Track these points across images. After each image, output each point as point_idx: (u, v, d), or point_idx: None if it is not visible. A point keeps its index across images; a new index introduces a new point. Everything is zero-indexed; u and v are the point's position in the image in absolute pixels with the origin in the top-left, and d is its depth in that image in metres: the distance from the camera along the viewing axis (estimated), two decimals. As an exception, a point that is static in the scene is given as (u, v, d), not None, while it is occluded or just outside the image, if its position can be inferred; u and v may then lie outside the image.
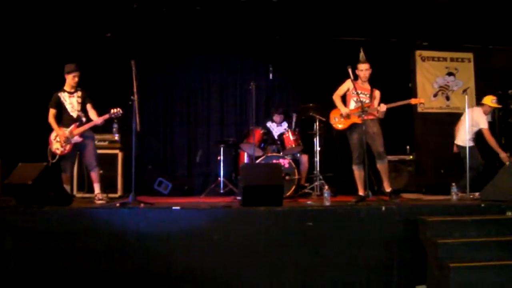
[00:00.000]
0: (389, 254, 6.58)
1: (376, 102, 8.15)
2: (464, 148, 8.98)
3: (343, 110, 8.15)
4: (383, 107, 7.91)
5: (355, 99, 8.15)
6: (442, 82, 11.80)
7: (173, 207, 6.71)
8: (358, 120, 7.99)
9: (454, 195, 7.94)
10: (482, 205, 7.10)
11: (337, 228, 6.59)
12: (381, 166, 8.07)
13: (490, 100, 9.33)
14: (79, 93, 8.25)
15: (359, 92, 8.02)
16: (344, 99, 8.30)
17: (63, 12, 10.06)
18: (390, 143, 10.17)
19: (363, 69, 8.16)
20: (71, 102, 8.18)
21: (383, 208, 6.74)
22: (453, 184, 8.06)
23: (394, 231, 6.63)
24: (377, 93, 8.24)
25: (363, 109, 7.83)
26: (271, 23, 10.89)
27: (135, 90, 7.37)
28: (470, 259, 6.15)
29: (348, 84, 8.25)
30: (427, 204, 7.57)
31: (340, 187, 9.52)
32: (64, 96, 8.19)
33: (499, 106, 9.61)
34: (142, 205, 6.96)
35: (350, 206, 7.17)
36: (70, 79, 8.17)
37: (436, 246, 6.22)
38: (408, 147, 10.50)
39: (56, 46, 10.32)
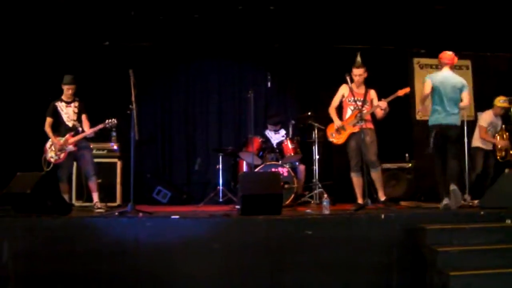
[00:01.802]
0: (389, 262, 6.57)
1: (375, 102, 8.21)
2: (471, 148, 9.38)
3: (337, 123, 8.23)
4: (384, 103, 7.95)
5: (352, 107, 8.19)
6: (440, 89, 11.78)
7: (172, 216, 6.72)
8: (354, 130, 8.02)
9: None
10: (482, 212, 7.10)
11: (336, 237, 6.57)
12: (375, 175, 8.12)
13: (498, 101, 9.53)
14: (76, 104, 8.39)
15: (356, 99, 8.06)
16: (341, 107, 8.33)
17: (61, 21, 10.07)
18: (389, 150, 10.20)
19: (357, 74, 8.23)
20: (67, 112, 8.31)
21: (383, 216, 6.73)
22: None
23: (393, 240, 6.62)
24: (372, 93, 8.35)
25: (361, 115, 7.86)
26: (269, 30, 10.90)
27: (133, 99, 7.37)
28: (470, 267, 6.14)
29: (342, 91, 8.33)
30: (426, 212, 7.56)
31: (339, 195, 9.49)
32: (61, 106, 8.32)
33: (508, 105, 9.58)
34: (141, 214, 6.95)
35: (349, 214, 7.17)
36: (65, 91, 8.33)
37: (436, 254, 6.22)
38: (407, 154, 10.49)
39: (53, 55, 10.31)
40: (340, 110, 8.42)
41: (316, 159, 9.96)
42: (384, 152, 10.07)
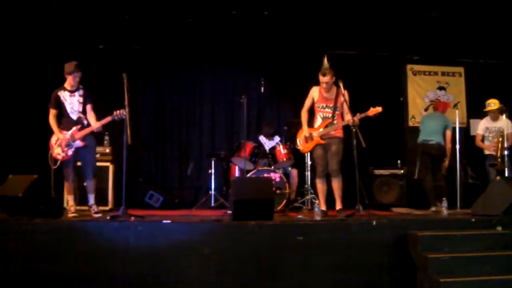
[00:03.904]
0: (380, 269, 6.57)
1: (345, 105, 7.94)
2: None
3: (305, 131, 8.18)
4: (357, 120, 7.72)
5: (321, 115, 8.11)
6: (433, 96, 11.84)
7: (164, 221, 6.69)
8: (321, 142, 7.98)
9: (445, 209, 7.95)
10: (473, 219, 7.11)
11: (328, 243, 6.56)
12: (336, 184, 8.03)
13: (487, 104, 9.60)
14: (81, 92, 7.83)
15: (324, 105, 8.05)
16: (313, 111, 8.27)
17: (56, 24, 10.07)
18: (381, 157, 10.24)
19: (324, 81, 7.95)
20: (71, 102, 7.75)
21: (374, 222, 6.73)
22: (444, 198, 8.07)
23: (384, 246, 6.62)
24: (344, 96, 7.97)
25: (331, 126, 7.88)
26: (263, 35, 10.94)
27: (126, 102, 7.29)
28: (460, 274, 6.15)
29: (312, 94, 8.17)
30: (418, 219, 7.58)
31: (332, 201, 9.50)
32: (64, 96, 7.76)
33: (494, 107, 9.56)
34: (132, 218, 6.92)
35: (340, 220, 7.17)
36: (71, 80, 7.76)
37: (427, 261, 6.22)
38: (399, 161, 10.50)
39: (47, 58, 10.28)
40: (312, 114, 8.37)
41: (309, 165, 9.98)
42: (376, 158, 10.13)
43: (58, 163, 7.68)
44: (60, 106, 7.76)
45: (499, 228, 6.85)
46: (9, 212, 6.92)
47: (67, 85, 7.82)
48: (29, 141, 9.71)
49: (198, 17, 10.40)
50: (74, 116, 7.76)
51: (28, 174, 7.20)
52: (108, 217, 7.11)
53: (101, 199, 9.10)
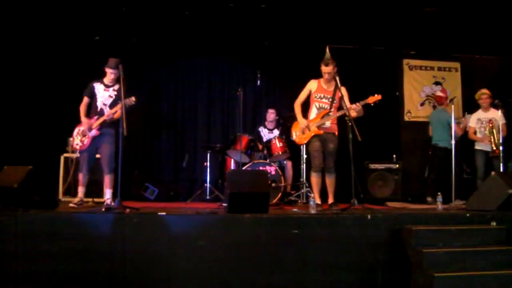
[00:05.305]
0: (374, 262, 6.57)
1: (346, 99, 7.95)
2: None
3: (301, 122, 8.16)
4: (358, 106, 7.77)
5: (317, 105, 8.13)
6: (429, 91, 11.86)
7: (159, 213, 6.68)
8: (318, 132, 7.98)
9: (440, 204, 7.96)
10: (467, 214, 7.11)
11: (322, 236, 6.56)
12: (330, 180, 8.11)
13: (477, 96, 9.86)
14: (117, 87, 7.93)
15: (322, 95, 8.07)
16: (308, 102, 8.27)
17: (52, 14, 10.02)
18: (377, 151, 10.25)
19: (326, 72, 7.97)
20: (103, 95, 7.90)
21: (369, 216, 6.74)
22: (439, 193, 8.08)
23: (379, 240, 6.62)
24: (342, 90, 7.96)
25: (323, 116, 7.94)
26: (260, 28, 10.92)
27: (122, 94, 7.31)
28: (455, 268, 6.16)
29: (310, 86, 8.20)
30: (412, 213, 7.56)
31: (323, 195, 9.53)
32: (98, 88, 7.93)
33: (483, 93, 9.70)
34: (128, 210, 6.91)
35: (335, 214, 7.17)
36: (108, 74, 7.94)
37: (421, 255, 6.23)
38: (394, 155, 10.51)
39: (43, 49, 10.26)
40: (307, 105, 8.35)
41: (304, 158, 9.98)
42: (372, 152, 10.13)
43: (77, 153, 7.91)
44: (92, 97, 7.92)
45: (494, 223, 6.87)
46: (4, 203, 6.88)
47: (105, 78, 7.98)
48: (29, 132, 9.71)
49: (194, 9, 10.37)
50: (99, 107, 7.87)
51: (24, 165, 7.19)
52: (103, 209, 7.10)
53: (96, 191, 9.10)
